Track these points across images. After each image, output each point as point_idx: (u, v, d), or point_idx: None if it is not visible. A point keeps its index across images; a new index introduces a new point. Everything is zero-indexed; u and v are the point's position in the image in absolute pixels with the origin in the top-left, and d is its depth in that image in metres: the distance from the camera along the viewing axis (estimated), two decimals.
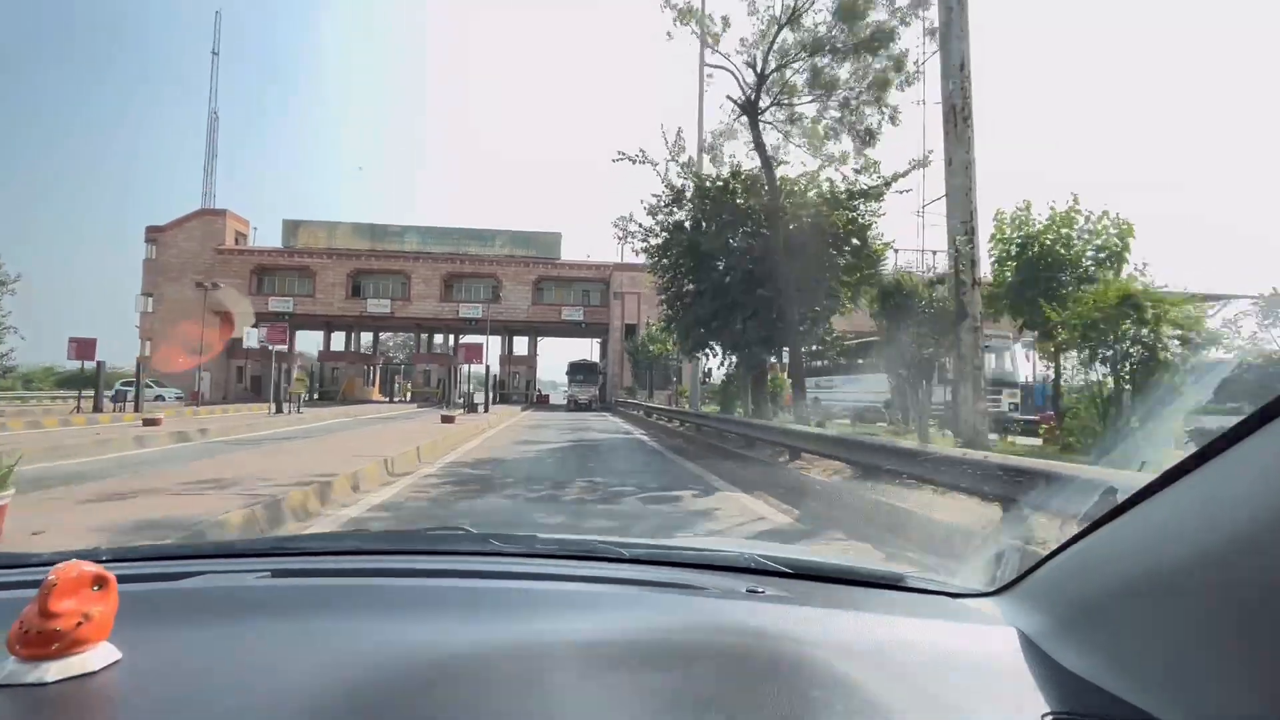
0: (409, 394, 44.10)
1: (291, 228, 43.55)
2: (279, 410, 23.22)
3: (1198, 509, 0.54)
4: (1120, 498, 0.66)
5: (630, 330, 39.92)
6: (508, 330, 45.16)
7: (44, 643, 0.57)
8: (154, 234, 42.12)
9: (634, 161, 13.07)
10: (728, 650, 0.71)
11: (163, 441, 12.94)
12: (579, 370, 40.27)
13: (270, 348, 22.45)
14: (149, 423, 15.79)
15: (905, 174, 11.90)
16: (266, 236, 44.72)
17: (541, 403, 47.90)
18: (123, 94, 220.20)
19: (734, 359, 14.82)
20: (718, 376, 44.50)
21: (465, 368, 30.35)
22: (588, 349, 55.09)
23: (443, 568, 1.01)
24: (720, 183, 13.12)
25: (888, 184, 11.83)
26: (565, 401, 39.67)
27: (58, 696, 0.55)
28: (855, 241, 12.16)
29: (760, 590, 0.90)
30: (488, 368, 28.66)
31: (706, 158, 13.51)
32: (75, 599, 0.59)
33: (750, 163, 13.56)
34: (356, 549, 1.17)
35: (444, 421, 17.44)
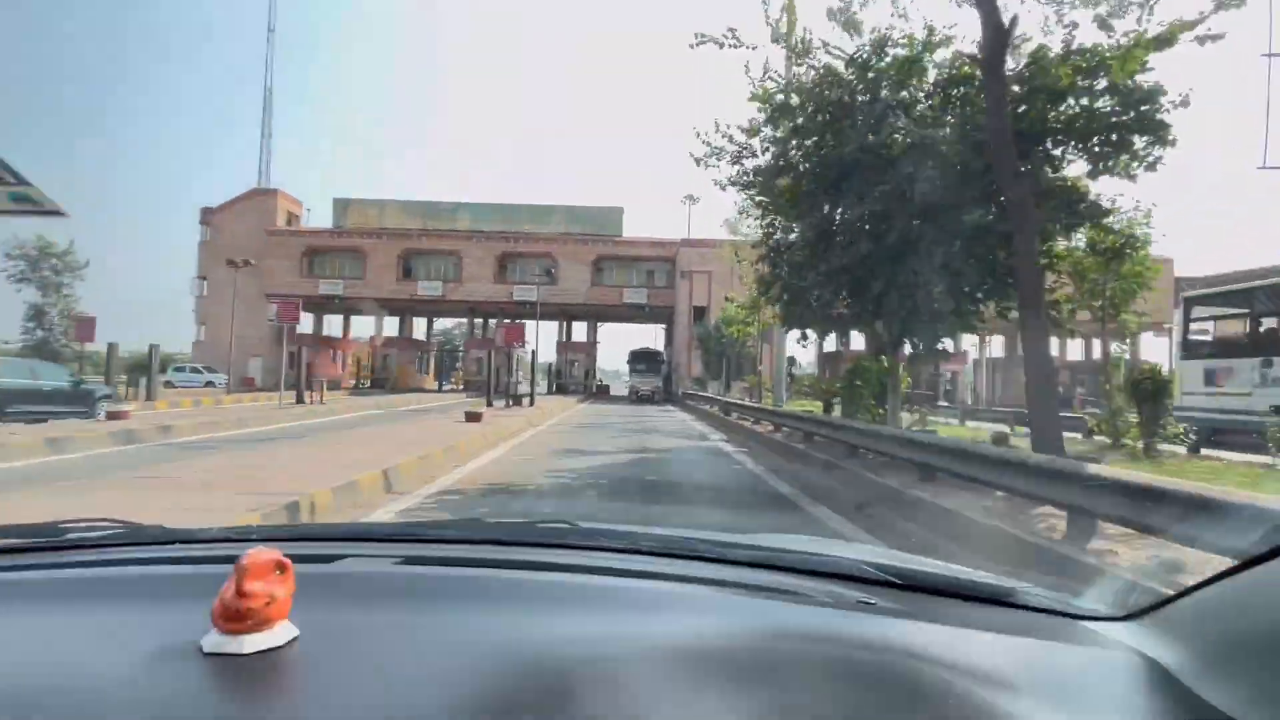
0: (461, 382, 41.43)
1: (341, 207, 41.50)
2: (299, 400, 20.31)
3: None
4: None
5: (699, 313, 35.56)
6: (565, 314, 41.71)
7: (240, 618, 0.64)
8: (208, 216, 40.98)
9: (721, 45, 8.69)
10: (838, 663, 0.69)
11: (96, 444, 9.75)
12: (641, 359, 36.52)
13: (281, 325, 19.30)
14: (114, 416, 12.85)
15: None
16: (321, 217, 42.94)
17: (601, 394, 44.32)
18: (183, 71, 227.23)
19: (870, 337, 10.30)
20: (804, 366, 39.37)
21: (519, 353, 26.97)
22: (651, 336, 51.18)
23: (553, 560, 1.02)
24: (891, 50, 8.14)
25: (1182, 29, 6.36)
26: (627, 393, 35.82)
27: (254, 666, 0.62)
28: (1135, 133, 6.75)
29: (871, 601, 0.87)
30: (534, 353, 24.96)
31: (834, 30, 8.81)
32: (264, 581, 0.66)
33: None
34: (476, 538, 1.20)
35: (468, 420, 13.75)
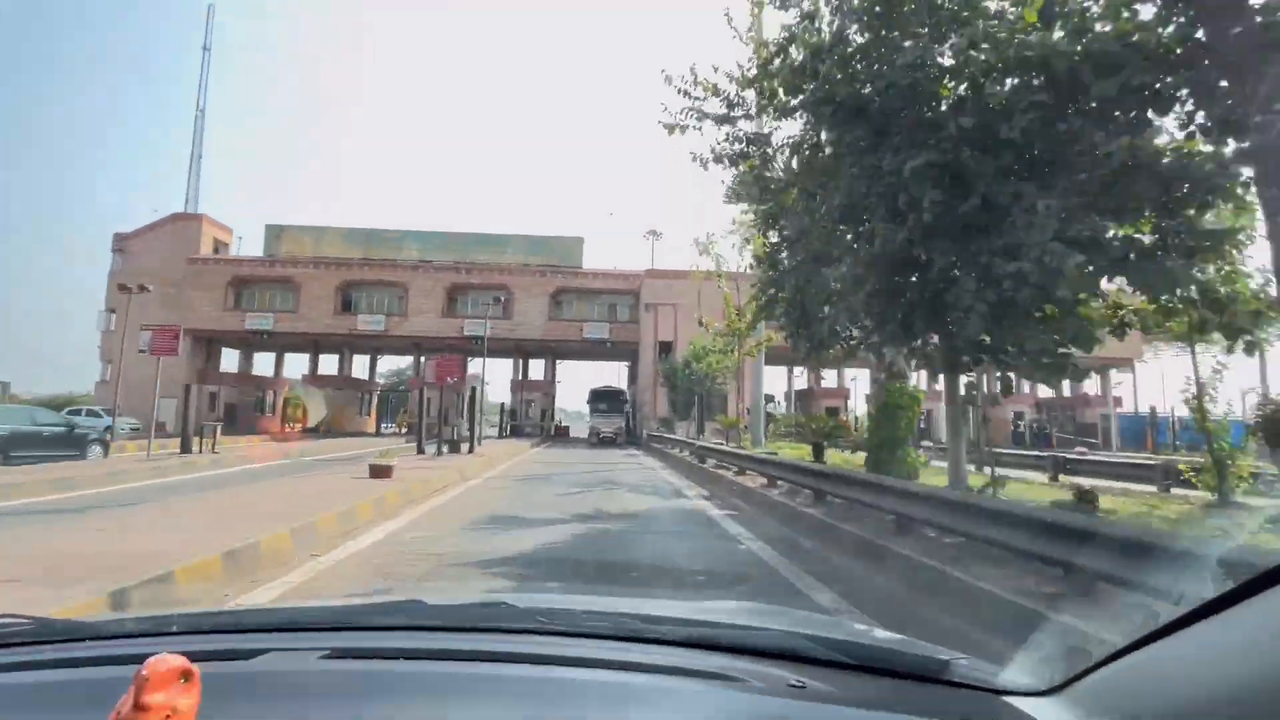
0: (405, 425, 37.70)
1: (274, 234, 38.02)
2: (184, 449, 16.64)
3: (1276, 630, 0.52)
4: (1185, 608, 0.63)
5: (665, 349, 33.01)
6: (520, 350, 38.62)
7: None
8: (121, 243, 36.96)
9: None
10: None
11: None
12: (602, 398, 33.63)
13: (152, 355, 15.87)
14: None
15: None
16: (254, 247, 39.30)
17: (560, 435, 41.13)
18: (109, 91, 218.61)
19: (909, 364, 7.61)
20: (777, 408, 36.97)
21: (468, 394, 23.72)
22: (615, 375, 48.51)
23: (487, 650, 1.03)
24: None
25: None
26: (587, 434, 32.75)
27: None
28: None
29: (801, 685, 0.88)
30: (474, 391, 21.87)
31: None
32: (165, 693, 0.62)
33: None
34: (409, 624, 1.18)
35: (374, 475, 10.56)
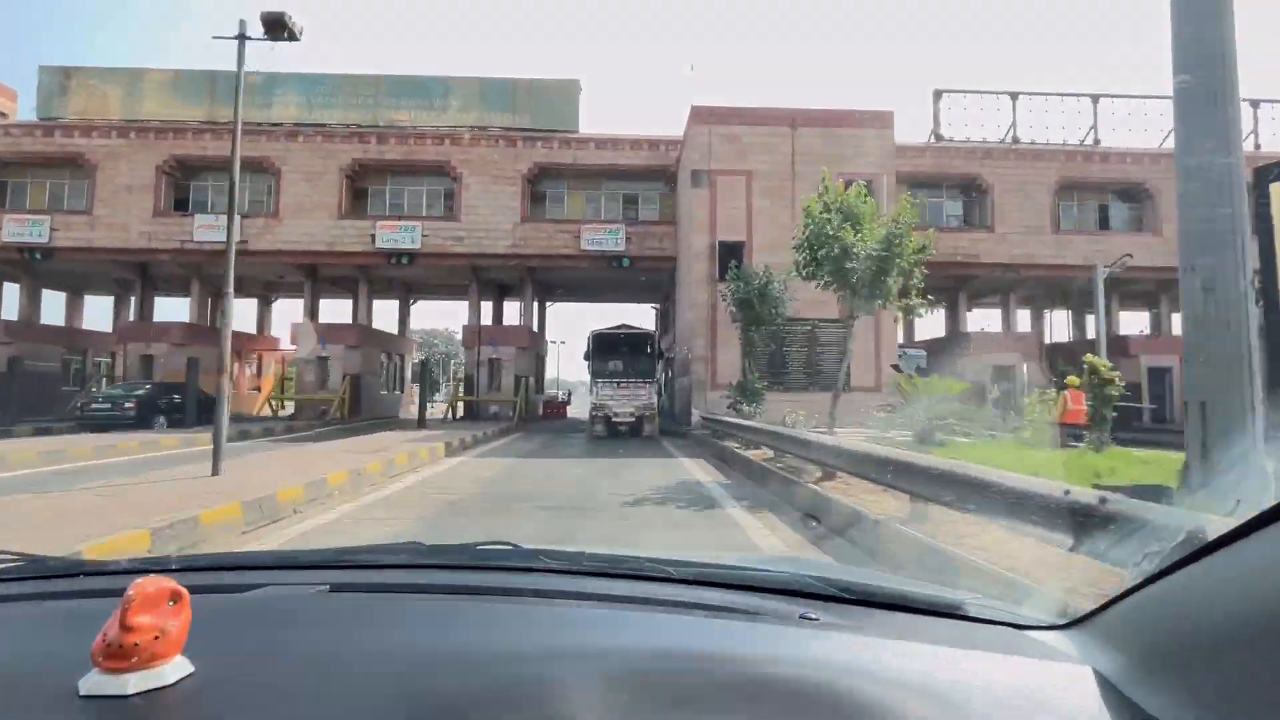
0: (282, 403, 22.92)
1: (57, 82, 22.61)
2: None
3: None
4: (1213, 534, 0.62)
5: (730, 254, 17.38)
6: (478, 276, 23.28)
7: (124, 656, 0.59)
8: None
9: None
10: (780, 683, 0.68)
11: None
12: (611, 347, 17.50)
13: None
14: None
15: None
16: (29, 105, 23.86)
17: (553, 416, 25.98)
18: None
19: None
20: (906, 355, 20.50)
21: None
22: (638, 315, 32.93)
23: (491, 584, 1.02)
24: None
25: None
26: (588, 419, 17.18)
27: (137, 707, 0.57)
28: None
29: (814, 617, 0.86)
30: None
31: None
32: (153, 614, 0.61)
33: None
34: (409, 563, 1.13)
35: None
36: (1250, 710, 0.53)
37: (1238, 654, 0.55)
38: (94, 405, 17.15)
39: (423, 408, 17.27)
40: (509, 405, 21.62)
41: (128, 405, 16.98)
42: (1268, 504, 0.55)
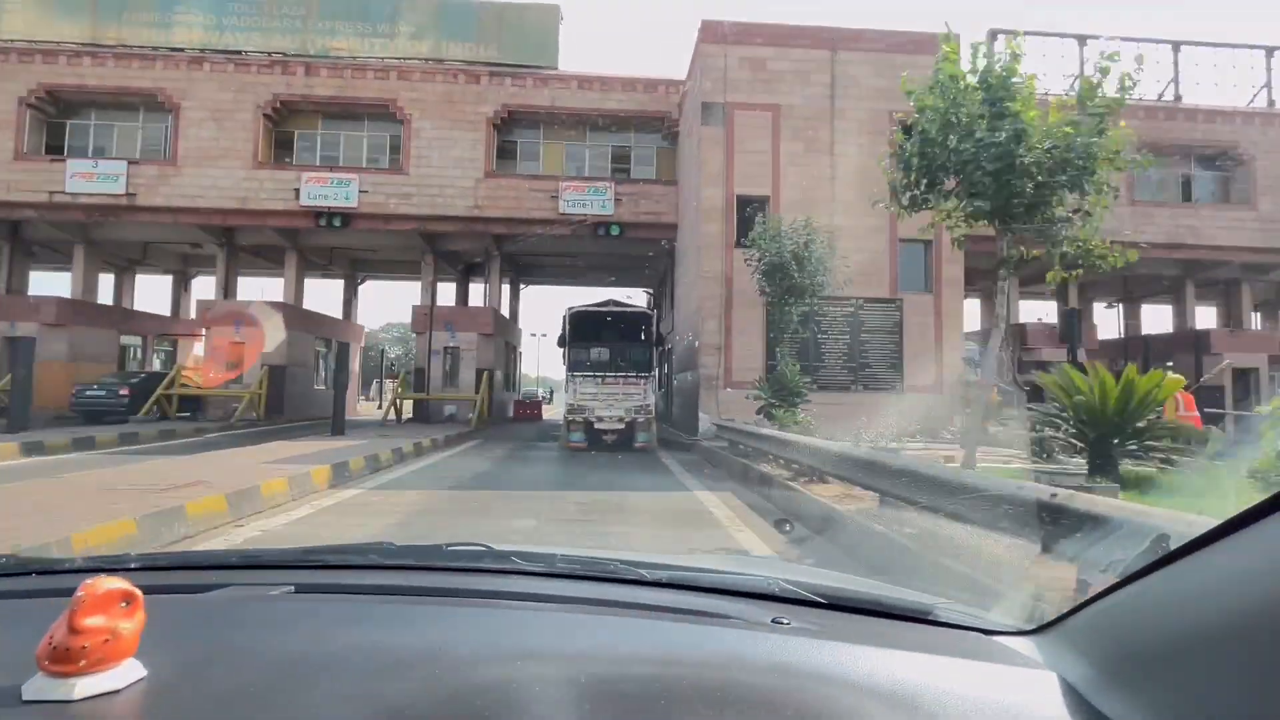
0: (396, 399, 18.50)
1: None
2: None
3: (1267, 561, 0.51)
4: (1175, 544, 0.63)
5: (751, 211, 13.25)
6: (430, 242, 18.95)
7: (71, 659, 0.57)
8: None
9: None
10: (748, 688, 0.68)
11: None
12: (595, 329, 13.09)
13: None
14: None
15: None
16: None
17: (526, 417, 21.96)
18: None
19: None
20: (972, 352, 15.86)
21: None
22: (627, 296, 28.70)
23: (461, 586, 1.00)
24: None
25: None
26: (562, 424, 12.88)
27: (83, 713, 0.56)
28: None
29: (785, 621, 0.86)
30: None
31: None
32: (103, 615, 0.58)
33: None
34: (378, 563, 1.11)
35: None
36: (1202, 717, 0.54)
37: (1199, 662, 0.55)
38: None
39: (339, 409, 12.94)
40: (470, 405, 17.38)
41: None
42: (1231, 512, 0.55)
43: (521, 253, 20.85)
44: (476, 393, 17.45)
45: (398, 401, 17.59)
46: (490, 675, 0.67)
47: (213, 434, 14.15)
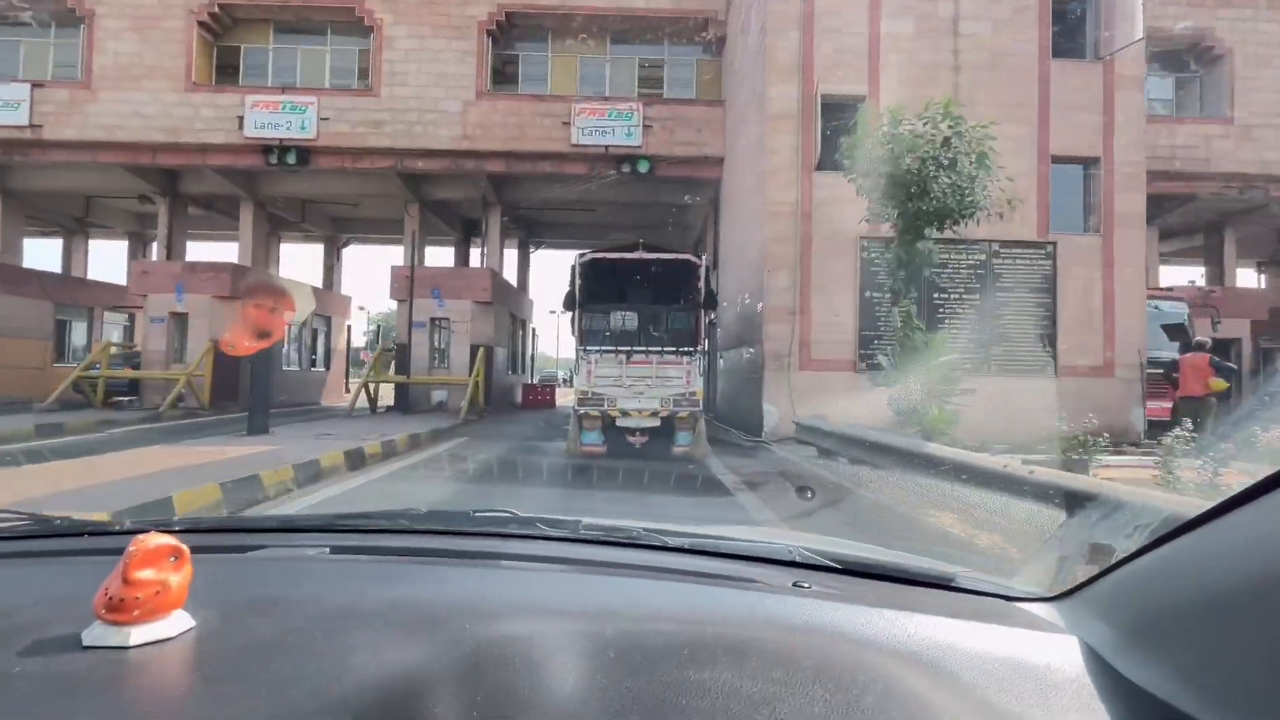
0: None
1: None
2: None
3: None
4: (1196, 510, 0.63)
5: (835, 119, 9.14)
6: (414, 186, 15.22)
7: (126, 609, 0.60)
8: None
9: None
10: (775, 647, 0.69)
11: None
12: (617, 284, 8.96)
13: None
14: None
15: None
16: None
17: (535, 404, 18.43)
18: None
19: None
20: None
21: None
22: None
23: (490, 550, 1.02)
24: None
25: None
26: (572, 419, 9.10)
27: (138, 659, 0.59)
28: None
29: (807, 585, 0.87)
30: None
31: None
32: (154, 569, 0.62)
33: None
34: (409, 528, 1.15)
35: None
36: (1227, 679, 0.55)
37: (1217, 626, 0.56)
38: None
39: (260, 399, 9.38)
40: (468, 395, 13.71)
41: None
42: (1247, 481, 0.54)
43: (527, 203, 17.02)
44: (471, 375, 13.77)
45: (370, 387, 14.02)
46: (516, 630, 0.68)
47: (118, 430, 10.75)
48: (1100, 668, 0.66)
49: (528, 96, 13.96)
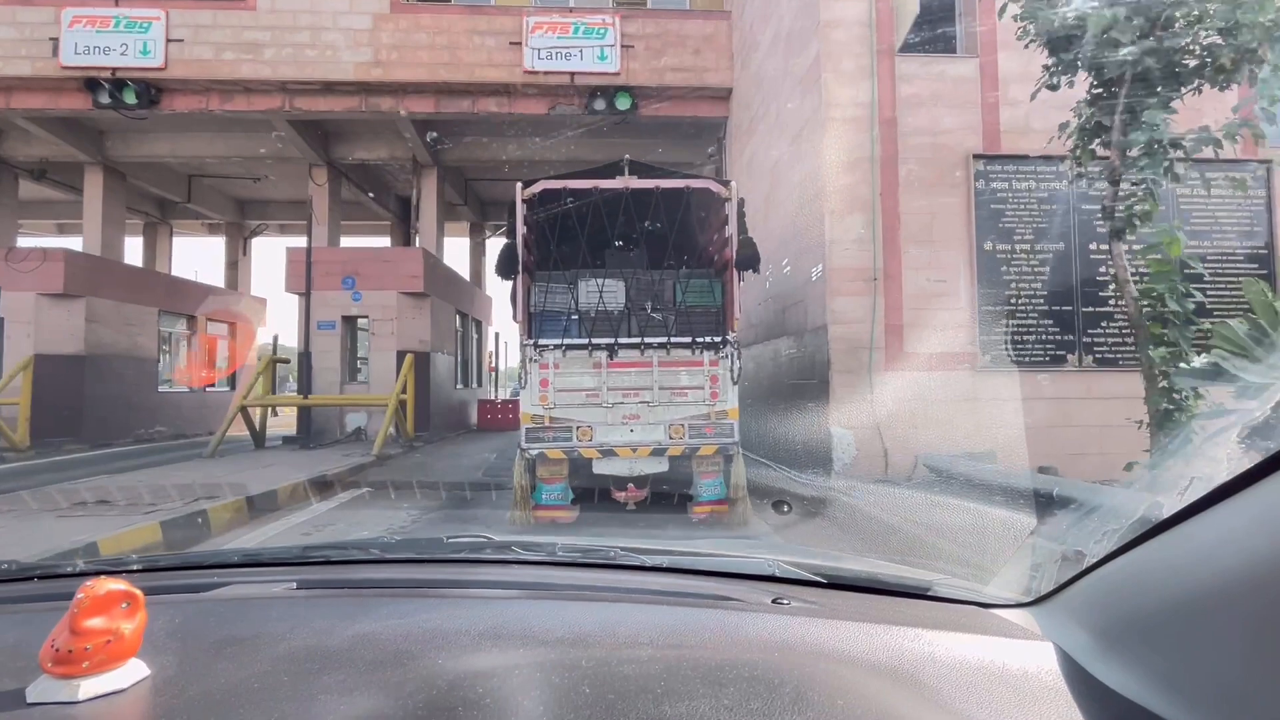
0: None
1: None
2: None
3: (1258, 525, 0.51)
4: (1167, 511, 0.63)
5: None
6: (317, 139, 11.43)
7: (74, 660, 0.57)
8: None
9: None
10: (751, 671, 0.67)
11: None
12: (585, 229, 5.17)
13: None
14: None
15: None
16: None
17: (495, 424, 14.68)
18: None
19: None
20: None
21: None
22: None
23: (465, 578, 0.99)
24: None
25: None
26: (517, 465, 5.39)
27: (88, 714, 0.56)
28: None
29: (785, 601, 0.87)
30: None
31: None
32: (105, 616, 0.59)
33: None
34: (381, 558, 1.10)
35: None
36: (1199, 681, 0.54)
37: (1188, 628, 0.56)
38: None
39: None
40: (398, 412, 9.85)
41: None
42: (1218, 482, 0.54)
43: (474, 166, 13.31)
44: (395, 393, 9.93)
45: (252, 412, 10.10)
46: (492, 661, 0.67)
47: None
48: (1076, 673, 0.66)
49: (461, 7, 10.26)
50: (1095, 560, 0.72)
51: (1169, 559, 0.61)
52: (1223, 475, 0.55)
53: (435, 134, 11.40)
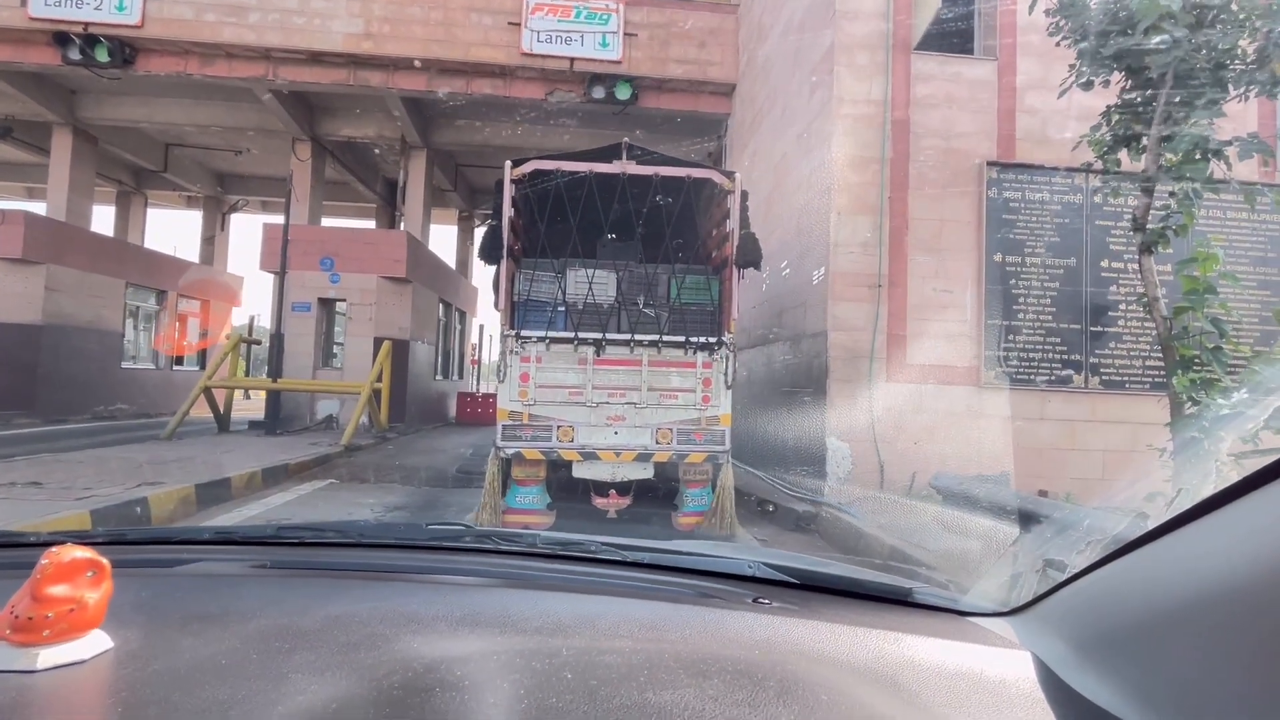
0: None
1: None
2: None
3: (1240, 539, 0.51)
4: (1151, 524, 0.63)
5: None
6: (303, 112, 10.96)
7: (34, 629, 0.55)
8: None
9: None
10: (734, 665, 0.67)
11: None
12: (575, 218, 4.93)
13: None
14: None
15: None
16: None
17: (473, 418, 14.16)
18: None
19: None
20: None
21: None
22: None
23: (443, 565, 0.98)
24: None
25: None
26: (492, 461, 5.01)
27: (46, 684, 0.54)
28: None
29: (766, 601, 0.87)
30: None
31: None
32: (69, 584, 0.57)
33: None
34: (359, 541, 1.07)
35: None
36: (1174, 693, 0.55)
37: (1164, 641, 0.56)
38: None
39: None
40: (371, 401, 9.39)
41: None
42: (1206, 494, 0.55)
43: (465, 151, 12.89)
44: (370, 380, 9.48)
45: (218, 395, 9.61)
46: (469, 647, 0.66)
47: None
48: (1053, 683, 0.66)
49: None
50: (1075, 572, 0.72)
51: (1147, 573, 0.61)
52: (1207, 491, 0.54)
53: (433, 94, 10.96)
